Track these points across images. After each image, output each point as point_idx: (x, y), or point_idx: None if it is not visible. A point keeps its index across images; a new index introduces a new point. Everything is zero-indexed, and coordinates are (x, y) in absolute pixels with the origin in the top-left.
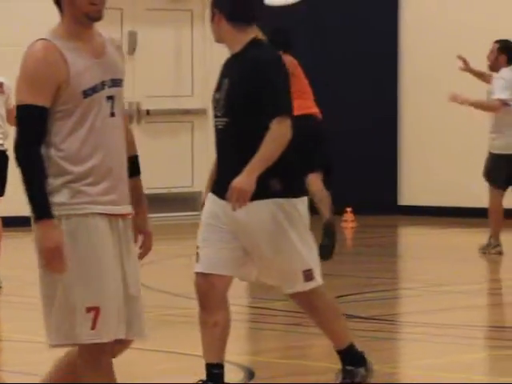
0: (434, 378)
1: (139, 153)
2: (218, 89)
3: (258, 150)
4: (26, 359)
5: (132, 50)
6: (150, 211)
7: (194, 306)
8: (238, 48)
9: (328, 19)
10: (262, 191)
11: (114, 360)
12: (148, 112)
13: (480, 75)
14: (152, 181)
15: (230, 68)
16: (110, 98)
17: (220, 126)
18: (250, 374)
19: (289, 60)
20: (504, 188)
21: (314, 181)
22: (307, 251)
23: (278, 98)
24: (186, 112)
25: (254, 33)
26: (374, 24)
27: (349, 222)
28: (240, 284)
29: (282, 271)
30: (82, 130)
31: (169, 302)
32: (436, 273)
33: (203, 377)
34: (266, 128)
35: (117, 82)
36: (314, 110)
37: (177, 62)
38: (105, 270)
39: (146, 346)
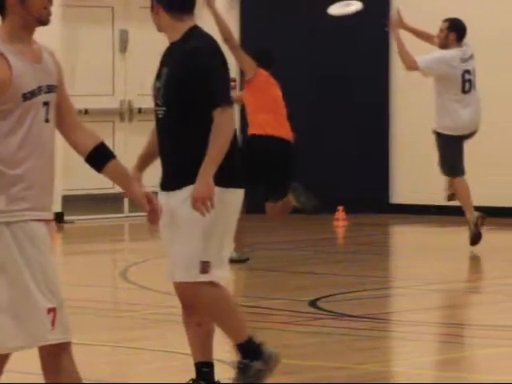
0: (425, 376)
1: (131, 151)
2: (158, 77)
3: (208, 150)
4: None
5: (123, 48)
6: (141, 210)
7: None
8: (176, 37)
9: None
10: (189, 178)
11: (104, 359)
12: (140, 110)
13: (422, 35)
14: (144, 179)
15: (169, 57)
16: (46, 103)
17: (160, 115)
18: None
19: (263, 75)
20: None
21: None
22: (211, 243)
23: (217, 87)
24: None
25: (193, 21)
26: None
27: (340, 220)
28: (234, 282)
29: (180, 256)
30: (19, 133)
31: (158, 301)
32: (427, 271)
33: (193, 375)
34: (203, 118)
35: (52, 88)
36: (284, 132)
37: None
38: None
39: (137, 345)
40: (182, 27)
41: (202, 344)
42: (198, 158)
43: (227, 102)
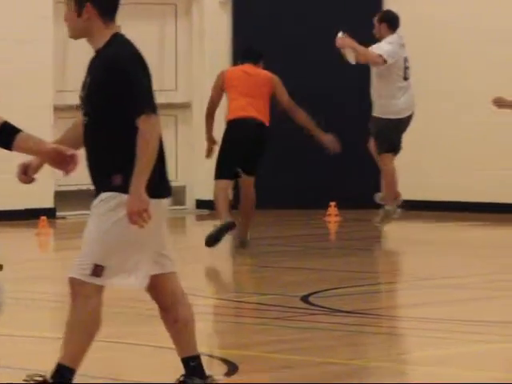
0: (416, 372)
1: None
2: (83, 87)
3: (136, 162)
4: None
5: None
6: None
7: None
8: (101, 44)
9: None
10: (106, 183)
11: (97, 354)
12: None
13: None
14: None
15: (93, 65)
16: None
17: (84, 124)
18: (234, 368)
19: (234, 70)
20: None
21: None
22: (110, 248)
23: (139, 95)
24: (170, 106)
25: (116, 28)
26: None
27: (332, 216)
28: (226, 278)
29: (80, 253)
30: None
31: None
32: (420, 267)
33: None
34: (127, 126)
35: None
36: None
37: (161, 56)
38: None
39: (130, 340)
40: (108, 34)
41: (183, 339)
42: (122, 165)
43: (151, 108)
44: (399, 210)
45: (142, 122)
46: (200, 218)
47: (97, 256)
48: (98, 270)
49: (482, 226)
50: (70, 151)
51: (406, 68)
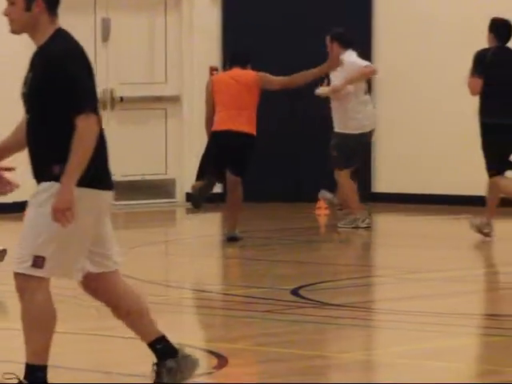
0: (406, 366)
1: (113, 139)
2: (25, 83)
3: (69, 159)
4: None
5: (106, 36)
6: (123, 198)
7: (165, 293)
8: (44, 39)
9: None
10: (46, 173)
11: (83, 347)
12: (122, 99)
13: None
14: (125, 168)
15: (35, 61)
16: None
17: (27, 121)
18: (224, 361)
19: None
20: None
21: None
22: (49, 238)
23: (80, 94)
24: (160, 99)
25: (58, 24)
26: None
27: (322, 209)
28: (215, 271)
29: (17, 246)
30: None
31: (141, 289)
32: (410, 260)
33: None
34: (68, 122)
35: None
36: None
37: (150, 49)
38: None
39: (119, 333)
40: (52, 29)
41: (142, 328)
42: (62, 156)
43: (91, 107)
44: (368, 221)
45: (80, 121)
46: (190, 211)
47: (36, 247)
48: (38, 262)
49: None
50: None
51: (366, 82)
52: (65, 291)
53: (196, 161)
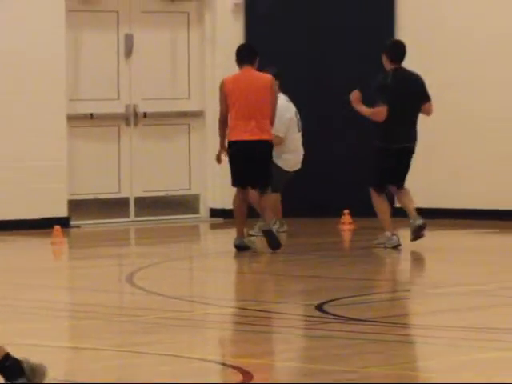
0: (432, 380)
1: (136, 155)
2: None
3: None
4: None
5: (128, 52)
6: (147, 214)
7: (190, 308)
8: None
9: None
10: None
11: (110, 363)
12: (145, 114)
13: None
14: (149, 184)
15: None
16: None
17: None
18: (249, 377)
19: (228, 79)
20: None
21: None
22: None
23: None
24: (183, 114)
25: None
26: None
27: (346, 224)
28: (240, 286)
29: None
30: None
31: (166, 305)
32: (434, 274)
33: (200, 379)
34: None
35: None
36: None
37: (173, 65)
38: None
39: (144, 349)
40: None
41: None
42: None
43: None
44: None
45: None
46: (214, 226)
47: None
48: None
49: (499, 234)
50: None
51: (299, 120)
52: (92, 308)
53: (220, 177)
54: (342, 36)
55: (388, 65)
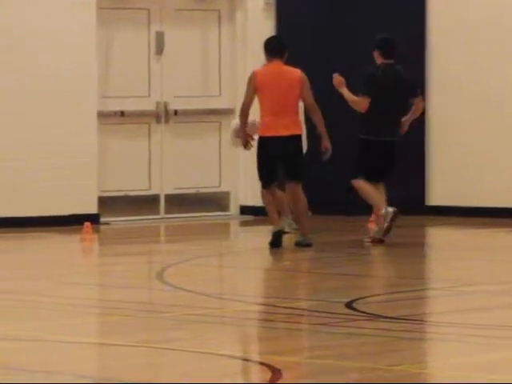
0: (461, 378)
1: (167, 153)
2: None
3: None
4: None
5: (159, 50)
6: (177, 211)
7: (220, 305)
8: None
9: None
10: None
11: (139, 360)
12: (176, 112)
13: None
14: (180, 181)
15: None
16: None
17: None
18: (278, 374)
19: (260, 71)
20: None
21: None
22: None
23: None
24: (214, 112)
25: None
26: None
27: (374, 222)
28: (269, 284)
29: None
30: None
31: (196, 302)
32: (464, 273)
33: (230, 376)
34: None
35: None
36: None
37: (204, 62)
38: None
39: (173, 346)
40: None
41: None
42: None
43: None
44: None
45: None
46: (244, 223)
47: None
48: None
49: None
50: None
51: None
52: (122, 304)
53: (251, 174)
54: (372, 32)
55: (380, 60)
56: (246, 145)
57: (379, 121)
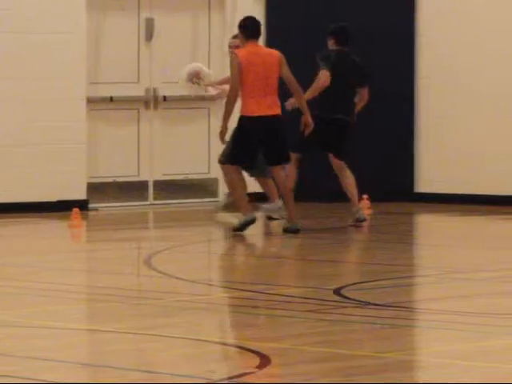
0: (449, 365)
1: (156, 139)
2: None
3: None
4: (39, 344)
5: (149, 36)
6: (165, 197)
7: (210, 292)
8: None
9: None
10: None
11: (128, 346)
12: (165, 98)
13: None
14: (168, 167)
15: None
16: None
17: None
18: (266, 361)
19: (242, 53)
20: None
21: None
22: None
23: None
24: (203, 98)
25: None
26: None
27: (365, 209)
28: (258, 270)
29: None
30: None
31: (185, 289)
32: (452, 260)
33: (217, 362)
34: None
35: None
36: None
37: (194, 48)
38: None
39: (163, 332)
40: None
41: None
42: None
43: None
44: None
45: None
46: (233, 209)
47: None
48: None
49: None
50: None
51: None
52: (110, 291)
53: None
54: (364, 21)
55: (334, 47)
56: (223, 136)
57: (333, 100)
